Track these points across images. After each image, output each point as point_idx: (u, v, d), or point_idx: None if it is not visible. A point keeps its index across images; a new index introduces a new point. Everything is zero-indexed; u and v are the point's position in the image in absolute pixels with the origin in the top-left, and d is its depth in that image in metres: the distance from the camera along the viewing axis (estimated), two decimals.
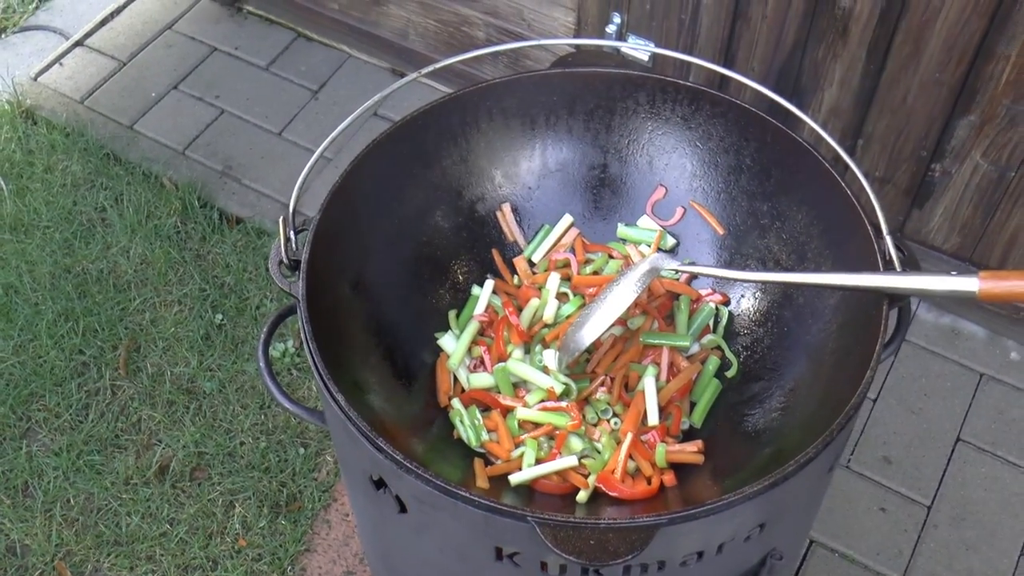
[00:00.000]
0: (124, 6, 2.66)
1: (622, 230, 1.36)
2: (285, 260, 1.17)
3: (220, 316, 2.08)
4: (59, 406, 1.95)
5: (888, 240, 1.11)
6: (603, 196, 1.39)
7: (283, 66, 2.55)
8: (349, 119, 1.19)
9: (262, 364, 1.18)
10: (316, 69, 2.54)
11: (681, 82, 1.29)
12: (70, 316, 2.06)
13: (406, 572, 1.31)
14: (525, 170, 1.38)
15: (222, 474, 1.86)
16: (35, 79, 2.53)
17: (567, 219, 1.36)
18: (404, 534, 1.19)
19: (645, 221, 1.37)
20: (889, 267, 1.11)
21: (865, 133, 1.96)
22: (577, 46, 1.53)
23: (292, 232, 1.17)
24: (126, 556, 1.78)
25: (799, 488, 1.08)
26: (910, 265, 1.13)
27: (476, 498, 0.97)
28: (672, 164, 1.35)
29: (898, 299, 1.09)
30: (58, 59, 2.57)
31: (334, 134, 1.18)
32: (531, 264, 1.36)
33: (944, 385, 1.99)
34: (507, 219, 1.37)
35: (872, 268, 1.11)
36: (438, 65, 1.26)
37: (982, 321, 2.13)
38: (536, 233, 1.37)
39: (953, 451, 1.91)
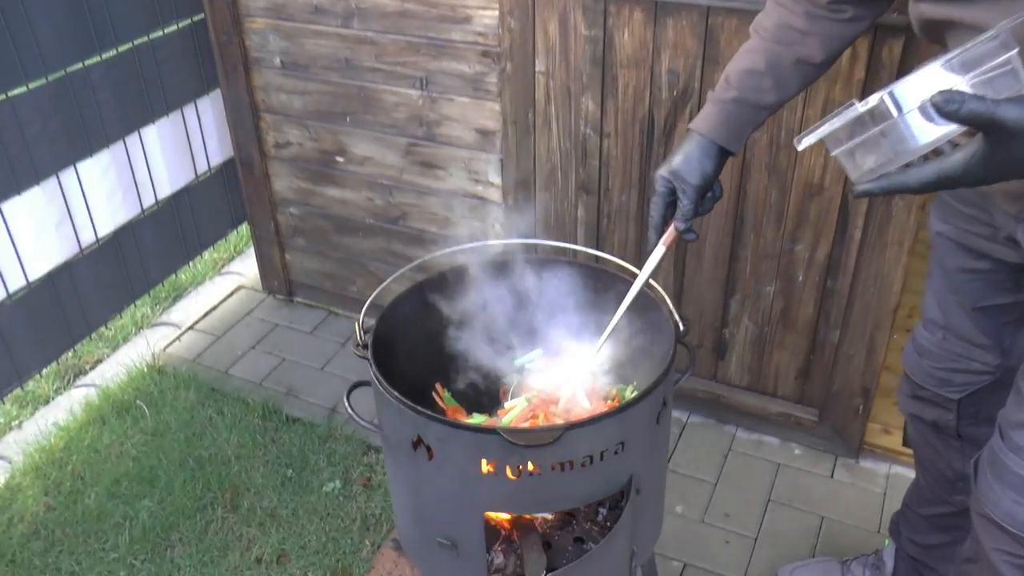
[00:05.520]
0: (218, 305, 3.93)
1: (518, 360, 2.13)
2: (359, 342, 2.14)
3: (290, 471, 3.03)
4: (189, 530, 2.84)
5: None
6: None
7: (321, 331, 3.77)
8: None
9: (346, 403, 2.03)
10: (342, 331, 3.75)
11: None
12: (192, 479, 3.01)
13: (426, 509, 1.86)
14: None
15: (298, 557, 2.71)
16: (164, 350, 3.74)
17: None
18: (428, 476, 1.73)
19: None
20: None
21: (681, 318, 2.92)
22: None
23: (361, 330, 2.18)
24: None
25: (639, 419, 1.73)
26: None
27: (472, 427, 1.76)
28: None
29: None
30: (178, 337, 3.81)
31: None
32: None
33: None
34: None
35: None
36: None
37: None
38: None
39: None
